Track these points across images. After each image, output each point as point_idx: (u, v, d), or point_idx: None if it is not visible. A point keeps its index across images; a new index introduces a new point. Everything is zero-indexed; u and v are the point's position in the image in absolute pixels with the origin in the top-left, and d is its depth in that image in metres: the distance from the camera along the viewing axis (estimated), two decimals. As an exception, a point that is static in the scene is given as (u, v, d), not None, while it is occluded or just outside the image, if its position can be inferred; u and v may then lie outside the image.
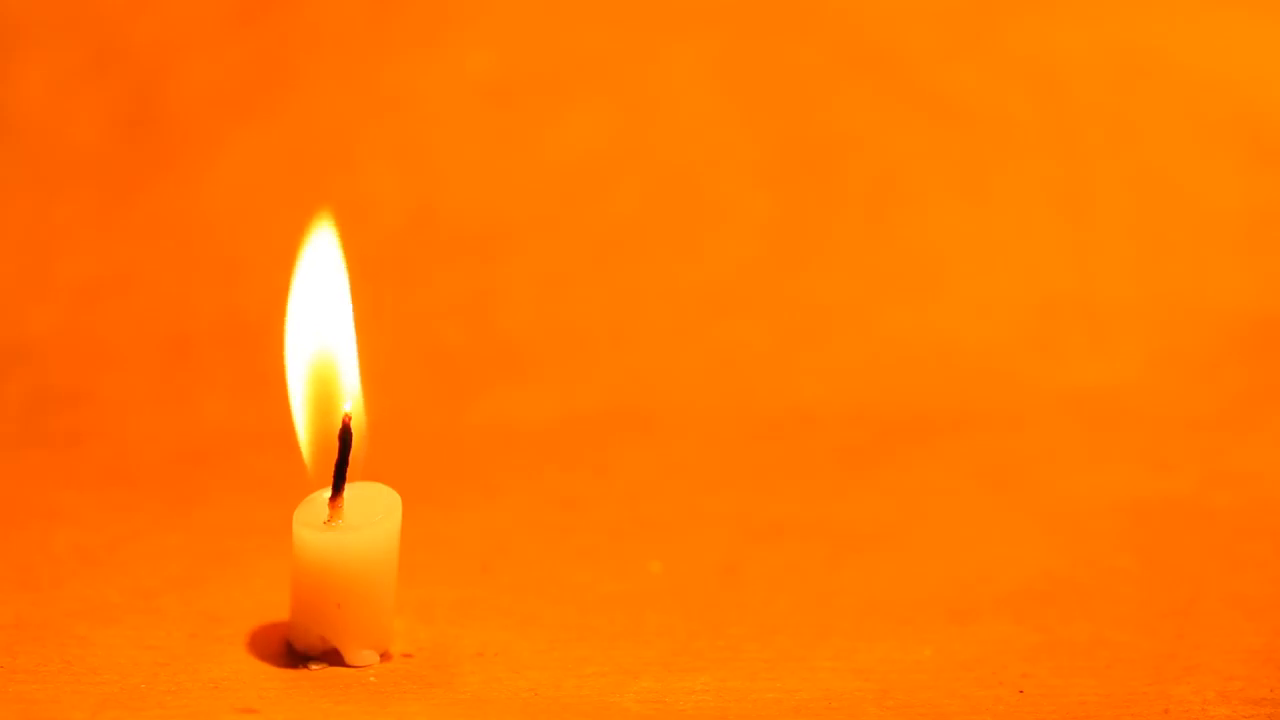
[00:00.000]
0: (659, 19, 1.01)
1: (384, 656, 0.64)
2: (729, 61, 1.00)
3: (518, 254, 0.97)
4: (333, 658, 0.63)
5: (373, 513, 0.64)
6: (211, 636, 0.65)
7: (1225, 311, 0.95)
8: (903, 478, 0.83)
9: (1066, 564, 0.74)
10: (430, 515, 0.74)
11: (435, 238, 0.97)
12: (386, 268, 0.95)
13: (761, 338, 0.94)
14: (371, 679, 0.63)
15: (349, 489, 0.64)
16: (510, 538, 0.76)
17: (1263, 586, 0.72)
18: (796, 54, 1.00)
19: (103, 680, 0.62)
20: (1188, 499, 0.81)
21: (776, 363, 0.93)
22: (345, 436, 0.63)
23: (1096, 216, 0.98)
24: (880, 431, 0.88)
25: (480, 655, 0.65)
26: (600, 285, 0.96)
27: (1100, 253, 0.97)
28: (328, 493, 0.64)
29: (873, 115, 1.00)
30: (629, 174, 0.99)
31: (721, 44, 1.01)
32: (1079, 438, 0.88)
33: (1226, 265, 0.97)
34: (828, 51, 1.00)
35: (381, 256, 0.96)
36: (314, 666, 0.63)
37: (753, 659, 0.65)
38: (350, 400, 0.65)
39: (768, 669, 0.64)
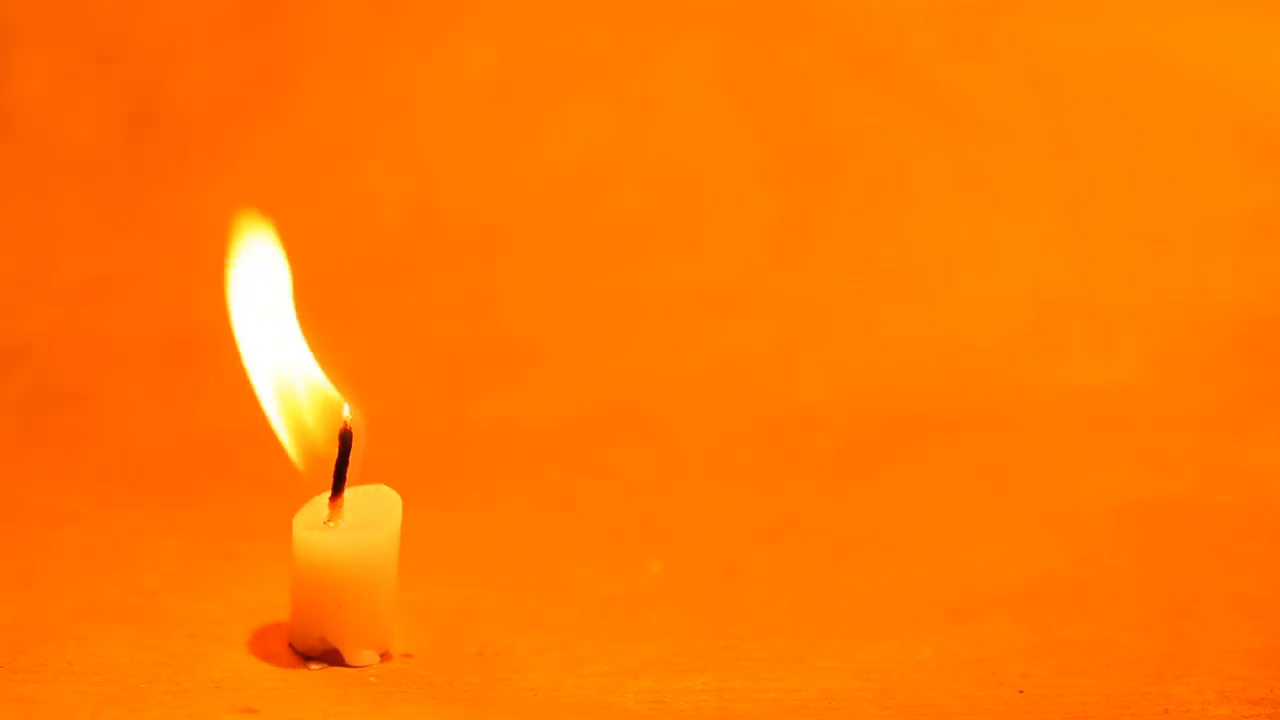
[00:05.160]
0: (658, 19, 1.01)
1: (384, 656, 0.64)
2: (729, 61, 1.00)
3: (518, 254, 0.97)
4: (333, 658, 0.63)
5: (373, 513, 0.64)
6: (211, 636, 0.65)
7: (1225, 311, 0.95)
8: (903, 478, 0.83)
9: (1066, 564, 0.74)
10: (430, 515, 0.74)
11: (435, 238, 0.97)
12: (386, 268, 0.95)
13: (761, 338, 0.94)
14: (371, 679, 0.63)
15: (349, 490, 0.64)
16: (510, 538, 0.76)
17: (1263, 586, 0.72)
18: (796, 54, 1.01)
19: (103, 680, 0.62)
20: (1188, 499, 0.81)
21: (776, 363, 0.93)
22: (345, 438, 0.64)
23: (1096, 216, 0.98)
24: (880, 431, 0.88)
25: (480, 655, 0.65)
26: (600, 285, 0.96)
27: (1100, 253, 0.97)
28: (328, 494, 0.64)
29: (873, 115, 1.00)
30: (629, 174, 0.99)
31: (721, 44, 1.01)
32: (1079, 438, 0.88)
33: (1226, 265, 0.97)
34: (828, 51, 1.00)
35: (381, 256, 0.96)
36: (314, 666, 0.63)
37: (753, 659, 0.65)
38: (347, 405, 0.65)
39: (768, 669, 0.64)
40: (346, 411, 0.64)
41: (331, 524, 0.63)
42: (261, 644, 0.65)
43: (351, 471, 0.64)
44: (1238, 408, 0.90)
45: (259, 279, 0.66)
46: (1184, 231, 0.98)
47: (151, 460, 0.84)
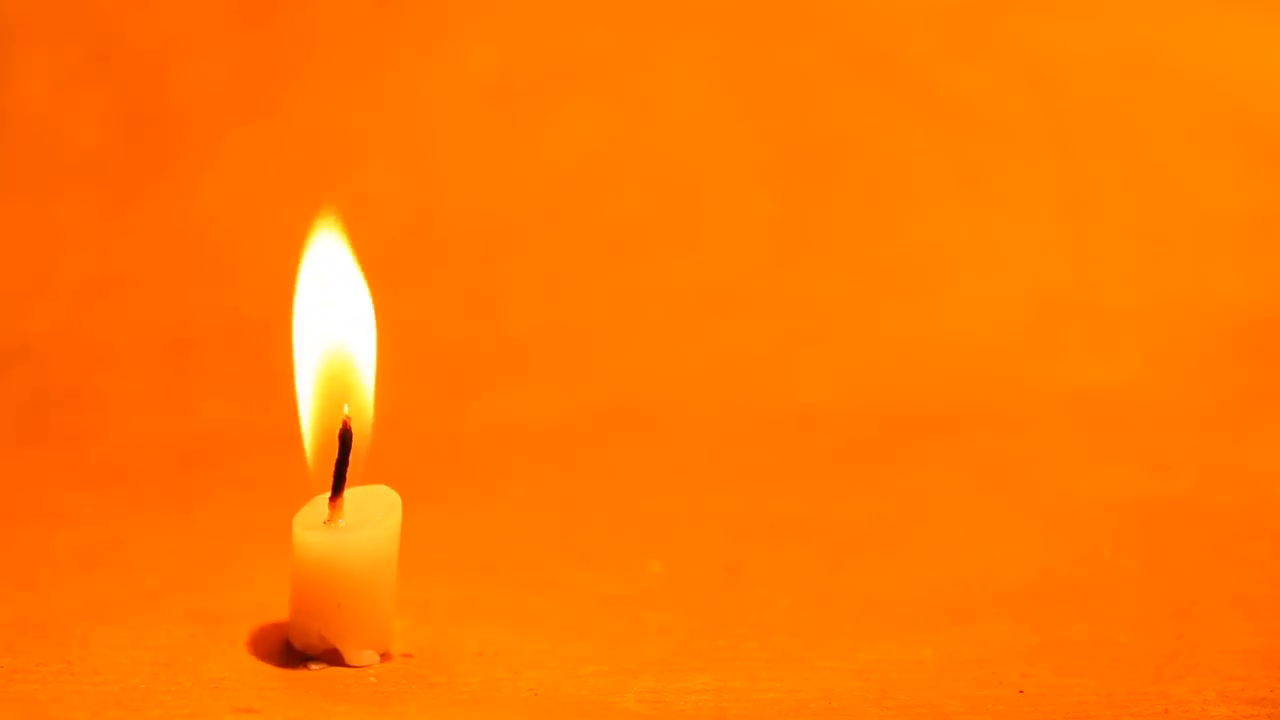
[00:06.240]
0: (658, 19, 1.01)
1: (384, 656, 0.64)
2: (728, 61, 1.00)
3: (518, 254, 0.97)
4: (333, 658, 0.63)
5: (373, 513, 0.64)
6: (211, 636, 0.65)
7: (1225, 311, 0.95)
8: (903, 478, 0.83)
9: (1066, 564, 0.74)
10: (430, 515, 0.74)
11: (435, 238, 0.97)
12: (386, 268, 0.95)
13: (761, 338, 0.94)
14: (371, 679, 0.63)
15: (349, 490, 0.64)
16: (510, 538, 0.76)
17: (1263, 586, 0.72)
18: (796, 54, 1.01)
19: (103, 680, 0.62)
20: (1188, 499, 0.81)
21: (776, 363, 0.93)
22: (345, 437, 0.63)
23: (1096, 216, 0.98)
24: (880, 431, 0.88)
25: (480, 655, 0.65)
26: (600, 285, 0.96)
27: (1100, 253, 0.97)
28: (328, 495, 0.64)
29: (873, 115, 1.00)
30: (629, 174, 0.99)
31: (720, 44, 1.01)
32: (1079, 438, 0.88)
33: (1226, 265, 0.97)
34: (828, 51, 1.00)
35: (381, 256, 0.95)
36: (314, 666, 0.63)
37: (753, 659, 0.65)
38: (351, 403, 0.65)
39: (768, 669, 0.64)
40: (346, 410, 0.64)
41: (331, 524, 0.63)
42: (261, 644, 0.65)
43: (353, 472, 0.64)
44: (1238, 408, 0.90)
45: (336, 274, 0.66)
46: (1184, 231, 0.98)
47: (151, 460, 0.84)
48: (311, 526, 0.63)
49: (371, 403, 0.65)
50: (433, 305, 0.95)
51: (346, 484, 0.64)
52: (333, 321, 0.65)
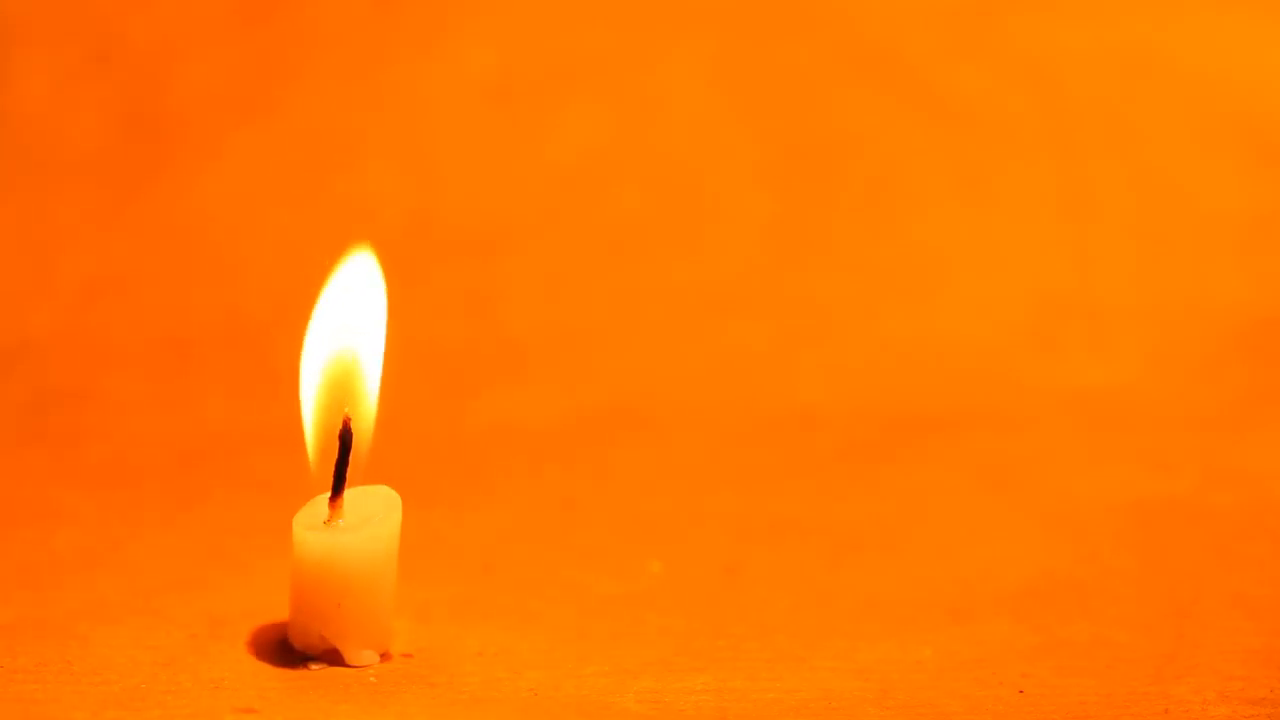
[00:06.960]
0: (658, 19, 1.01)
1: (384, 656, 0.64)
2: (728, 61, 1.00)
3: (518, 254, 0.97)
4: (333, 658, 0.63)
5: (373, 513, 0.64)
6: (211, 636, 0.65)
7: (1225, 311, 0.95)
8: (903, 478, 0.83)
9: (1066, 564, 0.74)
10: (430, 515, 0.74)
11: (435, 238, 0.97)
12: (386, 268, 0.95)
13: (761, 338, 0.94)
14: (371, 679, 0.63)
15: (349, 490, 0.64)
16: (510, 538, 0.76)
17: (1263, 586, 0.72)
18: (796, 54, 1.01)
19: (103, 680, 0.62)
20: (1188, 499, 0.81)
21: (776, 363, 0.93)
22: (345, 437, 0.63)
23: (1096, 216, 0.98)
24: (880, 431, 0.88)
25: (480, 655, 0.65)
26: (600, 285, 0.96)
27: (1100, 253, 0.97)
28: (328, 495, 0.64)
29: (873, 115, 1.00)
30: (629, 174, 0.99)
31: (720, 44, 1.01)
32: (1079, 438, 0.88)
33: (1226, 265, 0.97)
34: (828, 51, 1.00)
35: (381, 256, 0.96)
36: (314, 666, 0.63)
37: (753, 659, 0.65)
38: (353, 403, 0.65)
39: (768, 669, 0.64)
40: (346, 410, 0.64)
41: (331, 524, 0.63)
42: (261, 644, 0.65)
43: (353, 472, 0.64)
44: (1238, 408, 0.90)
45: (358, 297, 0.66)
46: (1184, 231, 0.98)
47: (151, 460, 0.84)
48: (311, 526, 0.63)
49: (374, 406, 0.65)
50: (433, 305, 0.95)
51: (347, 484, 0.64)
52: (345, 324, 0.65)
